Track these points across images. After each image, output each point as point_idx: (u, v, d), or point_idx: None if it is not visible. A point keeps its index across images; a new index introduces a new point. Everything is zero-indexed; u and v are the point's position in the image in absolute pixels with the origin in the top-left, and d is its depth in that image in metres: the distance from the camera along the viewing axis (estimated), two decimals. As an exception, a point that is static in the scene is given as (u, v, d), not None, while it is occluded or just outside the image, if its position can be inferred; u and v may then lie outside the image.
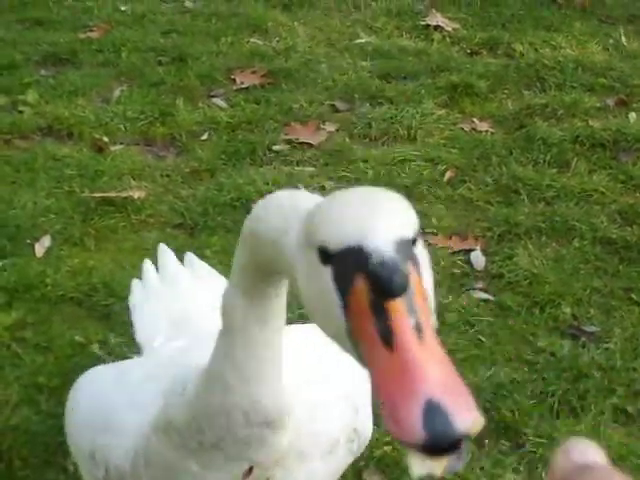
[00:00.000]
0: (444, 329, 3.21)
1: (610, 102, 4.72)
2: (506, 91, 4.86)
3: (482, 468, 2.77)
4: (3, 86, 4.87)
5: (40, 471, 2.76)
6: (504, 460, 2.81)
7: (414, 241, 1.15)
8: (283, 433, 1.67)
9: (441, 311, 3.34)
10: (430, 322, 1.10)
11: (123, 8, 5.83)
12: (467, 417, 0.99)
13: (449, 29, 5.50)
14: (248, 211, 3.84)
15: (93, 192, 3.99)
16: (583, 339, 3.23)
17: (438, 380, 1.02)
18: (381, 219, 1.13)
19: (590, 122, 4.51)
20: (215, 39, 5.43)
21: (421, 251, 1.17)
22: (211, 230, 3.79)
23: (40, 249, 3.66)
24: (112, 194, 3.96)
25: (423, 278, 1.14)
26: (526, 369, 3.09)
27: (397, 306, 1.07)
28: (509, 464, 2.80)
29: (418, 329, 1.06)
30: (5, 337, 3.22)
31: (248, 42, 5.41)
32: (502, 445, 2.85)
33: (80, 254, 3.64)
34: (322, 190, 4.04)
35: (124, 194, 3.95)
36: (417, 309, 1.08)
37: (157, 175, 4.18)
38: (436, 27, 5.52)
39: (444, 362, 1.05)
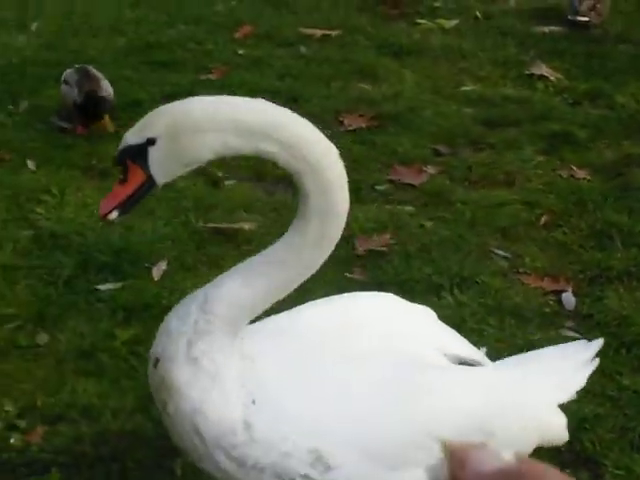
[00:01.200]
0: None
1: None
2: (605, 140, 5.01)
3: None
4: (129, 121, 5.22)
5: (151, 473, 3.01)
6: (583, 489, 2.95)
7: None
8: None
9: (530, 346, 3.52)
10: None
11: (241, 52, 6.17)
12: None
13: (553, 79, 5.68)
14: (352, 246, 4.08)
15: (207, 223, 4.28)
16: (668, 380, 3.36)
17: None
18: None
19: (687, 173, 4.63)
20: (326, 83, 5.72)
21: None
22: (315, 262, 4.03)
23: (157, 272, 3.96)
24: (224, 225, 4.24)
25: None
26: (609, 405, 3.22)
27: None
28: (588, 493, 2.94)
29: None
30: (122, 351, 3.51)
31: (357, 87, 5.67)
32: (582, 475, 3.00)
33: (193, 278, 3.91)
34: (422, 229, 4.26)
35: (236, 226, 4.24)
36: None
37: (267, 209, 4.45)
38: (540, 77, 5.71)
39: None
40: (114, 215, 2.07)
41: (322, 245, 2.15)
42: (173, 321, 2.17)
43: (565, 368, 2.58)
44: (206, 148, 2.04)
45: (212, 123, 2.01)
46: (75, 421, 3.19)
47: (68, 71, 5.18)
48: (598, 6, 6.14)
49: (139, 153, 2.05)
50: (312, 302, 2.50)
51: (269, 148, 2.06)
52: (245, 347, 2.17)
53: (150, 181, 2.08)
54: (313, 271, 2.18)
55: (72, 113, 5.16)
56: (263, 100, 2.10)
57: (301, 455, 2.08)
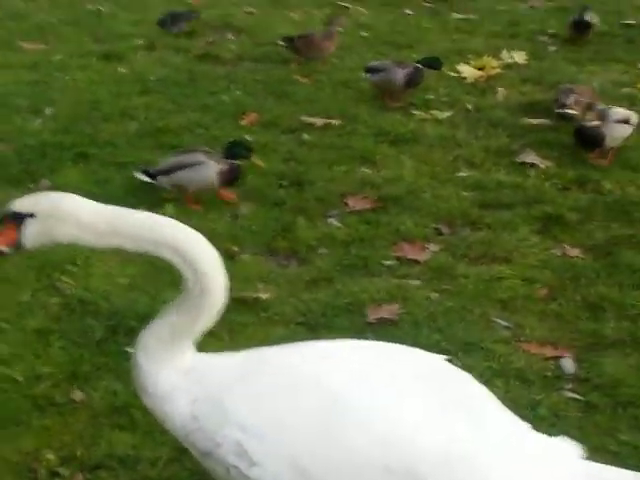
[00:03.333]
0: (535, 421, 3.63)
1: (690, 236, 5.19)
2: (594, 222, 5.36)
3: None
4: (144, 201, 5.50)
5: (188, 516, 3.24)
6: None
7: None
8: None
9: (534, 406, 3.79)
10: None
11: (248, 138, 6.52)
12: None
13: (542, 166, 6.06)
14: (362, 315, 4.35)
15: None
16: (663, 436, 3.64)
17: None
18: None
19: (672, 252, 4.97)
20: (329, 167, 6.07)
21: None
22: (329, 329, 4.31)
23: (182, 338, 4.20)
24: (243, 294, 4.51)
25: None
26: (610, 457, 3.48)
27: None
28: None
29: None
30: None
31: (359, 171, 6.02)
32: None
33: (216, 344, 4.13)
34: (428, 300, 4.56)
35: (254, 295, 4.51)
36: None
37: (281, 281, 4.74)
38: (531, 164, 6.08)
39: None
40: None
41: (200, 312, 2.64)
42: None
43: None
44: (66, 236, 2.58)
45: (75, 221, 2.55)
46: (114, 469, 3.43)
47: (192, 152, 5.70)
48: (582, 100, 6.52)
49: (20, 220, 2.59)
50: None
51: (126, 246, 2.61)
52: (179, 362, 2.67)
53: (19, 243, 2.61)
54: (206, 323, 2.66)
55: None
56: (117, 208, 2.60)
57: (229, 447, 2.49)
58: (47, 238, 2.60)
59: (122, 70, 8.00)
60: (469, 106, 7.20)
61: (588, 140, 6.07)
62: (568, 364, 4.11)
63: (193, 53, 8.54)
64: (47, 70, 7.91)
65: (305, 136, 6.62)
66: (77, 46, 8.62)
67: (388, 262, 4.94)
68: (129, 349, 4.06)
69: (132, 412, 3.71)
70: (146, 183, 5.63)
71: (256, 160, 5.72)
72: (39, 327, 4.27)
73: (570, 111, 6.37)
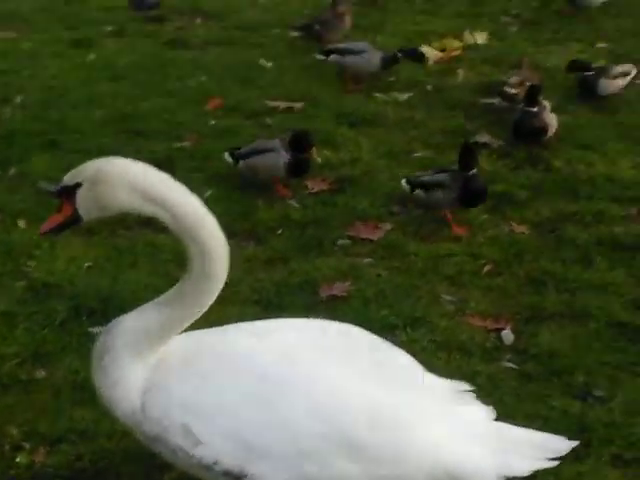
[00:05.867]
0: (475, 391, 3.85)
1: (633, 211, 5.41)
2: (542, 200, 5.57)
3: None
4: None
5: (142, 484, 3.45)
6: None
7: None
8: None
9: (473, 376, 4.01)
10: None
11: (212, 122, 6.71)
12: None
13: (495, 146, 6.27)
14: (315, 293, 4.55)
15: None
16: (591, 401, 3.87)
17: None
18: None
19: (614, 228, 5.19)
20: (291, 150, 6.25)
21: None
22: (282, 307, 4.51)
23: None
24: (201, 275, 4.70)
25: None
26: (541, 422, 3.70)
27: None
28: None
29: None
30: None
31: (319, 153, 6.20)
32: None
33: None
34: (378, 277, 4.77)
35: (211, 275, 4.71)
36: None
37: (239, 261, 4.93)
38: (484, 144, 6.29)
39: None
40: (48, 233, 2.83)
41: (202, 297, 2.79)
42: (98, 340, 2.87)
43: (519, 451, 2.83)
44: (116, 202, 2.66)
45: (123, 183, 2.64)
46: (74, 442, 3.63)
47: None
48: (526, 82, 6.64)
49: (71, 192, 2.70)
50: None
51: (163, 216, 2.70)
52: (153, 357, 2.81)
53: (76, 214, 2.74)
54: (200, 314, 2.84)
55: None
56: (168, 176, 2.72)
57: (175, 429, 2.70)
58: (99, 206, 2.67)
59: (91, 57, 8.17)
60: (429, 87, 7.39)
61: (529, 133, 6.20)
62: (508, 336, 4.33)
63: (162, 39, 8.71)
64: (17, 59, 8.07)
65: (268, 120, 6.81)
66: (47, 34, 8.78)
67: (342, 241, 5.15)
68: (92, 329, 4.29)
69: (92, 388, 3.89)
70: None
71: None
72: (5, 310, 4.45)
73: (511, 90, 6.58)
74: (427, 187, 5.35)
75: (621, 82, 6.91)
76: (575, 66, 7.00)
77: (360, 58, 7.27)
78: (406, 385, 2.82)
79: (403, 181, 5.50)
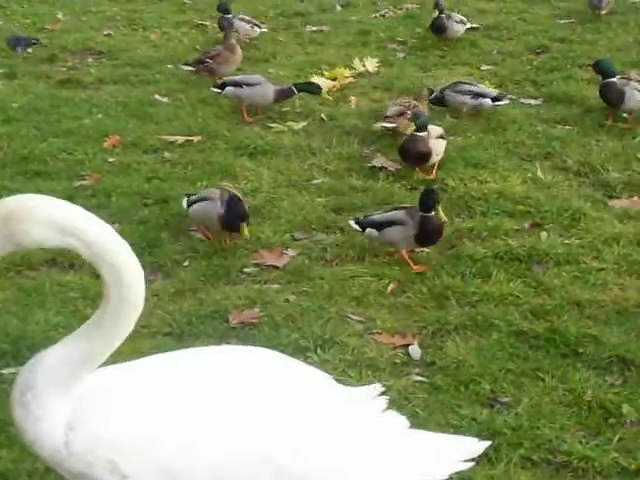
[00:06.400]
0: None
1: (526, 225, 5.65)
2: (440, 218, 5.76)
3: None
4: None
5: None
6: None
7: None
8: None
9: (385, 391, 4.13)
10: None
11: (111, 160, 6.74)
12: None
13: (392, 169, 6.46)
14: (226, 321, 4.61)
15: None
16: (498, 407, 4.05)
17: None
18: None
19: (509, 241, 5.41)
20: (192, 183, 6.33)
21: None
22: (195, 336, 4.58)
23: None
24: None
25: None
26: (452, 431, 3.85)
27: None
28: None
29: None
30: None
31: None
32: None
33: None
34: (286, 302, 4.88)
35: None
36: None
37: (148, 294, 4.95)
38: (381, 168, 6.47)
39: None
40: None
41: (121, 324, 2.77)
42: (18, 376, 2.81)
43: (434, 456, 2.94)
44: (31, 237, 2.61)
45: (38, 218, 2.60)
46: (-5, 483, 3.63)
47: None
48: (407, 113, 6.79)
49: None
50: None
51: (78, 246, 2.65)
52: (77, 391, 2.77)
53: None
54: (119, 343, 2.79)
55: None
56: (77, 207, 2.71)
57: (101, 464, 2.69)
58: (12, 242, 2.60)
59: (-17, 100, 8.11)
60: (323, 116, 7.56)
61: (414, 157, 6.38)
62: (415, 351, 4.48)
63: (55, 79, 8.69)
64: None
65: (167, 154, 6.87)
66: (-63, 78, 8.68)
67: (248, 269, 5.25)
68: (3, 371, 4.28)
69: (8, 429, 3.91)
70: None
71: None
72: None
73: (387, 125, 6.82)
74: (381, 226, 5.33)
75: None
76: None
77: (255, 90, 7.41)
78: (318, 404, 2.91)
79: (351, 222, 5.45)
